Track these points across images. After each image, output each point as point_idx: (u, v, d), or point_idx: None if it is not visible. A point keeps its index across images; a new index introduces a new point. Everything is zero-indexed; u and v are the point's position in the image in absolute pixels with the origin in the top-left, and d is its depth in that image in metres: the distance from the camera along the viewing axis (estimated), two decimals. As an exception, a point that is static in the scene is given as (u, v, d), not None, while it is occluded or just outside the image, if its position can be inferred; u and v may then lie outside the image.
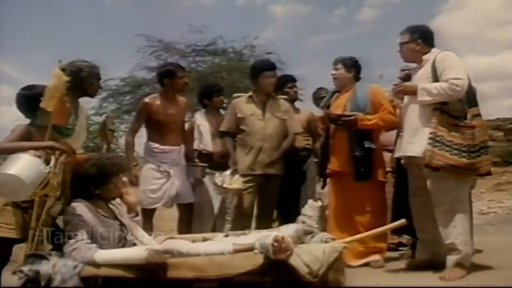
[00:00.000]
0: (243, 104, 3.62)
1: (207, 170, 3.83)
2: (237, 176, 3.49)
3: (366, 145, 3.29)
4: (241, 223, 3.43)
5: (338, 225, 3.34)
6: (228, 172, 3.53)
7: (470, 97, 2.88)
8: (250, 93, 3.67)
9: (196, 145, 3.95)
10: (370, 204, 3.33)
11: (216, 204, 3.81)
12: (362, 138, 3.30)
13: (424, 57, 2.99)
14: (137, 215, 2.72)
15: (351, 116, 3.26)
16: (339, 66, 3.45)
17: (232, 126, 3.64)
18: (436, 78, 2.86)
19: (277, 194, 3.66)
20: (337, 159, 3.38)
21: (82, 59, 2.91)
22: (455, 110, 2.80)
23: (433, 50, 3.01)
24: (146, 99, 3.69)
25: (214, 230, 3.66)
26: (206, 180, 3.82)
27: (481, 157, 2.80)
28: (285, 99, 3.80)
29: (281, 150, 3.60)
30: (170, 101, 3.62)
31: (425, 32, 3.06)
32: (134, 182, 3.46)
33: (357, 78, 3.49)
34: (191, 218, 3.68)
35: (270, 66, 3.72)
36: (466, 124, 2.78)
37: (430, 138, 2.75)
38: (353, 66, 3.47)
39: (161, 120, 3.56)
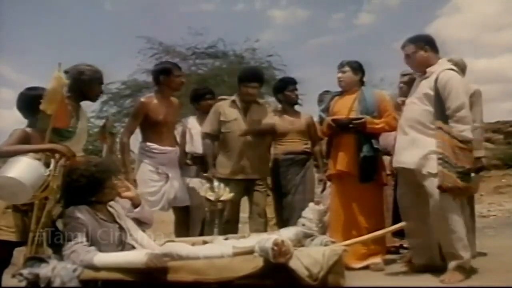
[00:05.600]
0: (226, 108, 3.60)
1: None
2: (222, 185, 3.41)
3: (375, 146, 3.33)
4: (228, 228, 3.39)
5: (341, 227, 3.34)
6: (215, 184, 3.42)
7: None
8: (234, 97, 3.65)
9: (187, 148, 3.94)
10: (373, 206, 3.34)
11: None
12: (370, 139, 3.33)
13: (429, 69, 2.98)
14: (139, 205, 2.65)
15: (361, 119, 3.29)
16: (346, 68, 3.47)
17: (215, 128, 3.60)
18: (437, 95, 2.86)
19: (265, 197, 3.65)
20: (343, 160, 3.36)
21: (85, 63, 2.91)
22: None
23: (440, 61, 3.01)
24: (143, 99, 3.65)
25: (202, 234, 3.64)
26: (197, 183, 3.78)
27: (478, 177, 2.92)
28: (279, 101, 3.78)
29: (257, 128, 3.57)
30: (166, 100, 3.57)
31: (428, 38, 3.07)
32: (134, 187, 3.42)
33: (362, 81, 3.52)
34: (188, 221, 3.66)
35: (251, 78, 3.63)
36: (467, 147, 2.78)
37: (440, 159, 2.75)
38: (359, 69, 3.50)
39: (159, 119, 3.50)
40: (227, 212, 3.52)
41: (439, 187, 2.75)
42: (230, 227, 3.45)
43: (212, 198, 3.40)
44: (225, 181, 3.48)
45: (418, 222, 2.94)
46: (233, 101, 3.62)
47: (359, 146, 3.32)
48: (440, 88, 2.86)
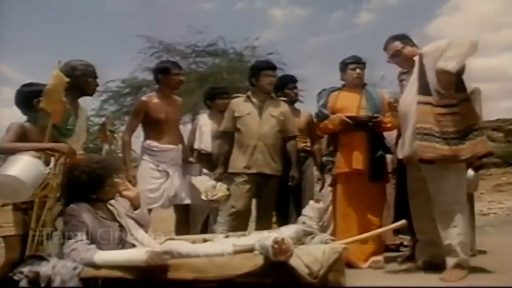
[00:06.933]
0: (241, 104, 3.63)
1: (205, 171, 3.84)
2: (219, 184, 3.47)
3: (388, 145, 3.37)
4: (237, 224, 3.40)
5: (355, 227, 3.29)
6: (209, 183, 3.50)
7: (458, 82, 2.83)
8: (248, 93, 3.67)
9: (196, 145, 3.97)
10: (381, 204, 3.37)
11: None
12: (382, 137, 3.39)
13: (415, 58, 2.97)
14: (138, 207, 2.66)
15: (377, 117, 3.30)
16: (363, 66, 3.51)
17: (230, 125, 3.62)
18: (421, 71, 2.84)
19: (276, 195, 3.63)
20: (358, 159, 3.33)
21: (76, 59, 2.92)
22: (440, 100, 2.78)
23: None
24: (144, 97, 3.70)
25: (204, 231, 3.65)
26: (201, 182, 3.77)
27: (475, 140, 2.75)
28: (284, 100, 3.79)
29: (291, 157, 3.61)
30: (167, 99, 3.61)
31: (408, 36, 3.09)
32: (133, 183, 3.42)
33: None
34: (188, 219, 3.67)
35: (270, 66, 3.75)
36: (453, 111, 2.75)
37: (418, 133, 2.74)
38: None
39: (159, 118, 3.53)
40: (235, 209, 3.50)
41: (420, 160, 2.73)
42: (240, 223, 3.44)
43: (204, 197, 3.46)
44: (238, 175, 3.50)
45: (428, 218, 2.93)
46: (248, 97, 3.65)
47: (371, 145, 3.33)
48: (428, 55, 2.84)
